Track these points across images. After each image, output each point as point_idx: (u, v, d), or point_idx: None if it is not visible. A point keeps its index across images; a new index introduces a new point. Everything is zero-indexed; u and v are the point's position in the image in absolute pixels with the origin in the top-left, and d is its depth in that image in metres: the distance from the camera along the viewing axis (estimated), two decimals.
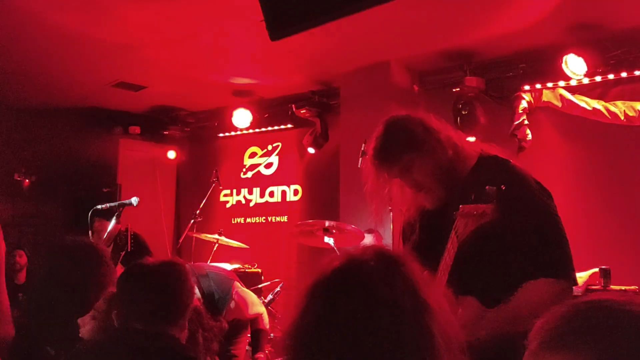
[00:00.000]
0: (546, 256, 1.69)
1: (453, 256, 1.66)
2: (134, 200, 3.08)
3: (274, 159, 6.27)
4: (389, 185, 1.89)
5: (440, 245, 1.74)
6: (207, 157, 6.73)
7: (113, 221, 3.02)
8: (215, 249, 4.82)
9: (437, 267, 1.71)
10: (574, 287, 1.76)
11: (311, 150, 5.67)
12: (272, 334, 4.19)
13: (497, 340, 1.61)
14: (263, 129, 6.16)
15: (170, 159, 6.67)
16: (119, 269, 2.27)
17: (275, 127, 6.12)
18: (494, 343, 1.62)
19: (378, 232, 4.18)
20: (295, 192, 6.09)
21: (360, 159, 3.73)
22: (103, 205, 3.08)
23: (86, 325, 1.75)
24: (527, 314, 1.62)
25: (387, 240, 4.39)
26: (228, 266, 4.64)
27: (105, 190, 6.39)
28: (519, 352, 1.62)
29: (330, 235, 4.01)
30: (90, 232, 3.22)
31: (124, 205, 3.06)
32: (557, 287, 1.67)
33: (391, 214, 3.92)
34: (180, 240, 5.18)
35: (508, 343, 1.63)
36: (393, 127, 1.89)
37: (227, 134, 6.45)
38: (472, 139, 4.46)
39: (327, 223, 4.02)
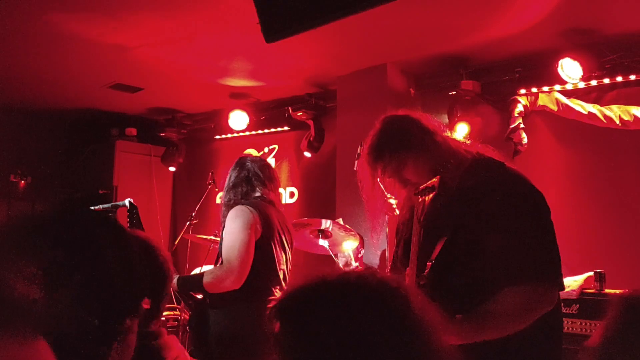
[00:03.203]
0: (527, 261, 1.67)
1: (417, 242, 1.66)
2: (127, 202, 3.07)
3: (270, 161, 6.27)
4: (383, 183, 1.89)
5: (431, 247, 1.74)
6: (204, 159, 6.72)
7: None
8: (210, 249, 4.81)
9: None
10: (561, 292, 1.75)
11: (307, 154, 5.68)
12: None
13: (467, 349, 1.59)
14: (259, 131, 6.16)
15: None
16: None
17: (272, 130, 6.12)
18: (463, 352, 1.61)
19: (362, 238, 4.16)
20: (292, 195, 6.08)
21: (357, 161, 3.73)
22: (96, 207, 3.07)
23: None
24: (499, 323, 1.63)
25: (382, 243, 4.40)
26: None
27: (101, 192, 6.38)
28: None
29: (325, 238, 4.01)
30: None
31: (117, 207, 3.05)
32: (536, 293, 1.66)
33: (387, 217, 3.92)
34: (176, 242, 5.18)
35: (479, 352, 1.63)
36: (389, 125, 1.90)
37: (223, 136, 6.44)
38: (465, 127, 4.49)
39: (323, 224, 4.02)
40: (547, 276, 1.68)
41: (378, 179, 1.87)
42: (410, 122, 1.88)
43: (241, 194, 2.96)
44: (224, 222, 2.91)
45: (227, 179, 3.04)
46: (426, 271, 1.71)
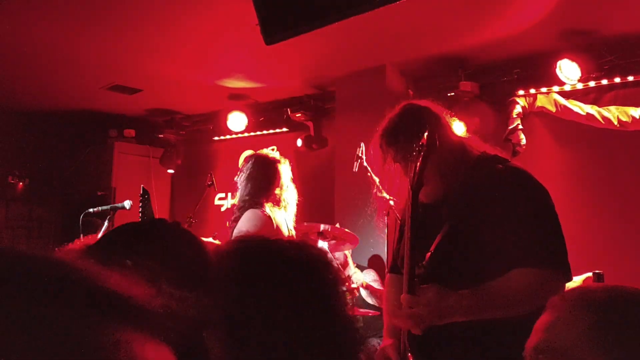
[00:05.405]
0: (534, 246, 1.68)
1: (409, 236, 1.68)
2: (127, 203, 3.07)
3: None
4: (390, 169, 1.90)
5: (431, 239, 1.75)
6: (202, 161, 6.72)
7: (105, 225, 3.00)
8: None
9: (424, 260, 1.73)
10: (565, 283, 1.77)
11: (299, 142, 5.64)
12: None
13: (473, 327, 1.61)
14: (258, 133, 6.15)
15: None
16: None
17: (271, 131, 6.12)
18: (469, 328, 1.62)
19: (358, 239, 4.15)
20: None
21: (356, 162, 3.73)
22: (95, 209, 3.07)
23: None
24: (506, 300, 1.64)
25: (382, 244, 4.40)
26: None
27: (99, 193, 6.37)
28: (499, 340, 1.62)
29: (324, 239, 4.01)
30: (81, 235, 3.19)
31: (116, 208, 3.05)
32: (543, 277, 1.67)
33: (386, 218, 3.92)
34: None
35: (487, 331, 1.64)
36: (408, 113, 1.91)
37: (222, 137, 6.44)
38: (461, 126, 4.49)
39: (322, 227, 4.02)
40: (555, 262, 1.70)
41: (387, 164, 1.89)
42: (429, 113, 1.89)
43: (257, 192, 2.96)
44: (236, 221, 2.92)
45: (244, 173, 3.02)
46: (424, 261, 1.72)
